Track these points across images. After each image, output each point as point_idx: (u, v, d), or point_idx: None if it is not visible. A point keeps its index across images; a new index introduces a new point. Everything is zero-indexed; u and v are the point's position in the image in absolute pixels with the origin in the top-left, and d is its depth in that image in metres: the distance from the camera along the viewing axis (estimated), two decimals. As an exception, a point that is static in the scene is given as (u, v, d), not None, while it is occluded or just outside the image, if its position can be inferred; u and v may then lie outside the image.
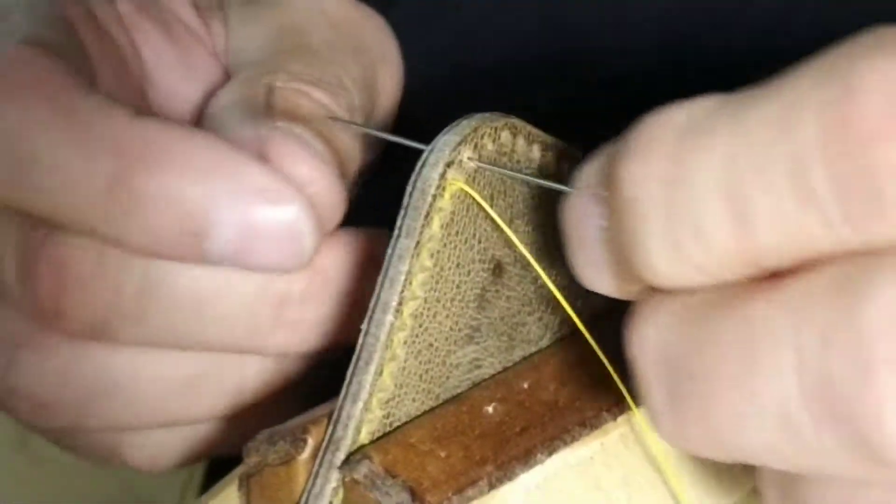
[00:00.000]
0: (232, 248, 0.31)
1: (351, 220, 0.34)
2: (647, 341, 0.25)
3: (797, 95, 0.22)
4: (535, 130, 0.30)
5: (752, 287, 0.24)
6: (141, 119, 0.31)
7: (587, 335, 0.29)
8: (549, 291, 0.31)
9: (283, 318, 0.33)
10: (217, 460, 0.55)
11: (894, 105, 0.21)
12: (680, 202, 0.23)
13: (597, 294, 0.26)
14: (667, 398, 0.24)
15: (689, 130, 0.24)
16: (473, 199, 0.29)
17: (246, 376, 0.35)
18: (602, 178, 0.25)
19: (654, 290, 0.25)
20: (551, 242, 0.30)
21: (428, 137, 0.29)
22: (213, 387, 0.35)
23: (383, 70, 0.43)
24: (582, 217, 0.26)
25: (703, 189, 0.23)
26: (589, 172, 0.26)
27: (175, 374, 0.34)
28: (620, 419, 0.30)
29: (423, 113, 0.38)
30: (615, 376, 0.29)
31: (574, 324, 0.29)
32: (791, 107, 0.22)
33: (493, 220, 0.29)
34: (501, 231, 0.30)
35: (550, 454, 0.29)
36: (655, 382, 0.25)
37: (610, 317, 0.28)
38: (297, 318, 0.34)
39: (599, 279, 0.26)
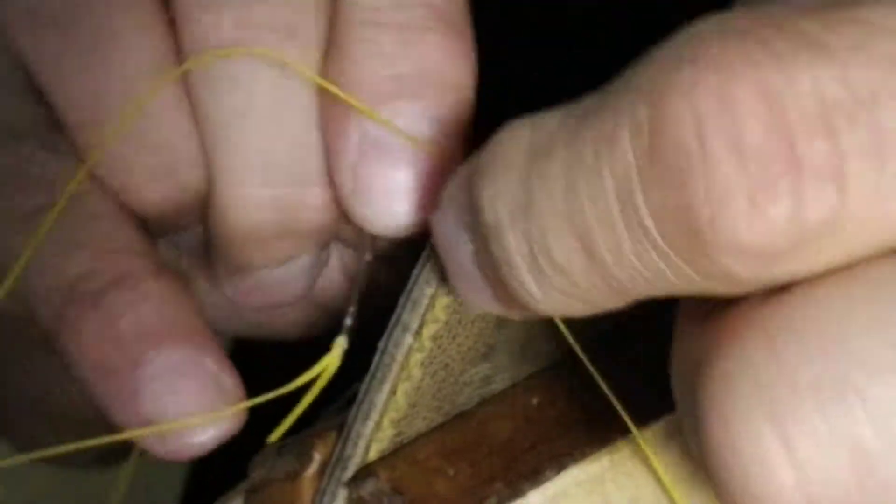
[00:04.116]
0: None
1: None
2: None
3: (615, 112, 0.20)
4: None
5: None
6: None
7: (587, 363, 0.28)
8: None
9: None
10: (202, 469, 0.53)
11: (705, 125, 0.19)
12: (533, 232, 0.21)
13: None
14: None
15: (533, 152, 0.21)
16: None
17: None
18: (465, 199, 0.23)
19: None
20: None
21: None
22: None
23: None
24: (452, 242, 0.24)
25: (550, 219, 0.21)
26: (452, 191, 0.24)
27: None
28: (630, 435, 0.30)
29: None
30: (617, 405, 0.28)
31: (584, 341, 0.29)
32: (612, 126, 0.20)
33: None
34: None
35: (559, 471, 0.28)
36: None
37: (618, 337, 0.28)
38: None
39: (485, 302, 0.24)
